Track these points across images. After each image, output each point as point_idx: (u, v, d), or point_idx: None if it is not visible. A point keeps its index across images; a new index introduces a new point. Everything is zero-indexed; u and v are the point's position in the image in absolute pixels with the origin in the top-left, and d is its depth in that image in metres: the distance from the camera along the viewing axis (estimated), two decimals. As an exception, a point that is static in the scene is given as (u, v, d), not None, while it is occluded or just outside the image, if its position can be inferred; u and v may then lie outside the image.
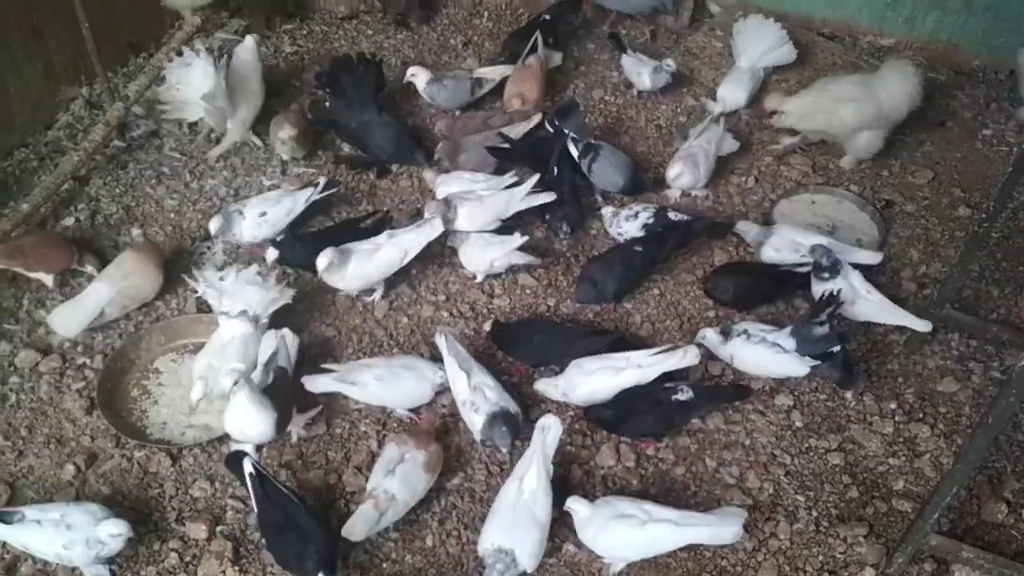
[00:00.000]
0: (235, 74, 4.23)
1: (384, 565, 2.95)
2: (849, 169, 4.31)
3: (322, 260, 3.46)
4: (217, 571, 2.90)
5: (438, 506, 3.09)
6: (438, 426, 3.23)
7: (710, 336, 3.40)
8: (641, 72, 4.58)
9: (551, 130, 4.12)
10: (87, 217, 3.99)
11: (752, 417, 3.37)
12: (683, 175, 4.04)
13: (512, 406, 3.14)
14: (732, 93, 4.49)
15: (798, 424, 3.36)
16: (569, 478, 3.15)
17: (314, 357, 3.50)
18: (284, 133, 4.19)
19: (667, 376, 3.27)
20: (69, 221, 3.97)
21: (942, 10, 4.75)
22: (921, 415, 3.39)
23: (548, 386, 3.33)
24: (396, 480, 2.92)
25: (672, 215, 3.88)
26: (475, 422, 3.13)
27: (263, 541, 2.93)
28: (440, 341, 3.27)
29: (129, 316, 3.62)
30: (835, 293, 3.38)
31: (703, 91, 4.72)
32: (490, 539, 2.80)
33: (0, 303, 3.62)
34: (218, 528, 3.02)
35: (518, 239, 3.67)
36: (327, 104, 4.41)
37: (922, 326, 3.45)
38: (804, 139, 4.36)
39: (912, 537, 2.81)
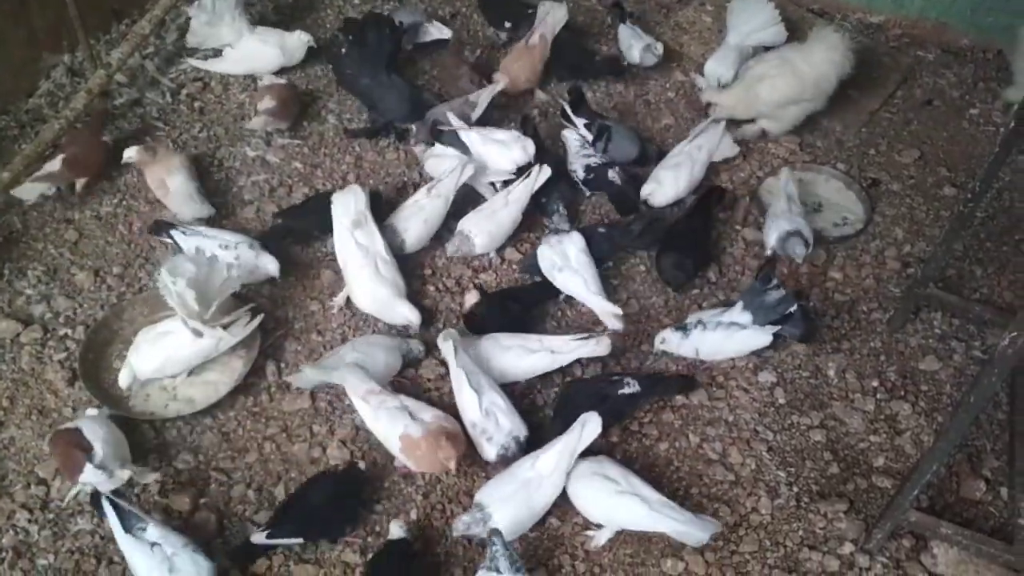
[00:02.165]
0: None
1: (369, 539, 2.96)
2: (750, 136, 4.29)
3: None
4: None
5: (423, 480, 3.10)
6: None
7: (670, 337, 3.38)
8: (632, 45, 4.56)
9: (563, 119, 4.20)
10: (67, 186, 3.94)
11: (736, 394, 3.39)
12: (655, 194, 3.91)
13: (523, 431, 3.07)
14: (718, 70, 4.46)
15: (781, 401, 3.38)
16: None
17: (299, 331, 3.50)
18: (261, 105, 4.14)
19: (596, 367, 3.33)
20: (50, 191, 3.92)
21: (931, -12, 4.75)
22: (902, 393, 3.42)
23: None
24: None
25: (611, 173, 3.94)
26: (486, 450, 3.05)
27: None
28: (447, 348, 3.18)
29: (111, 287, 3.61)
30: (771, 255, 3.49)
31: (692, 66, 4.70)
32: (483, 495, 2.88)
33: (-20, 273, 3.60)
34: (201, 500, 3.02)
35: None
36: (343, 51, 4.32)
37: (613, 322, 3.46)
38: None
39: (892, 513, 2.84)
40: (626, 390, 3.19)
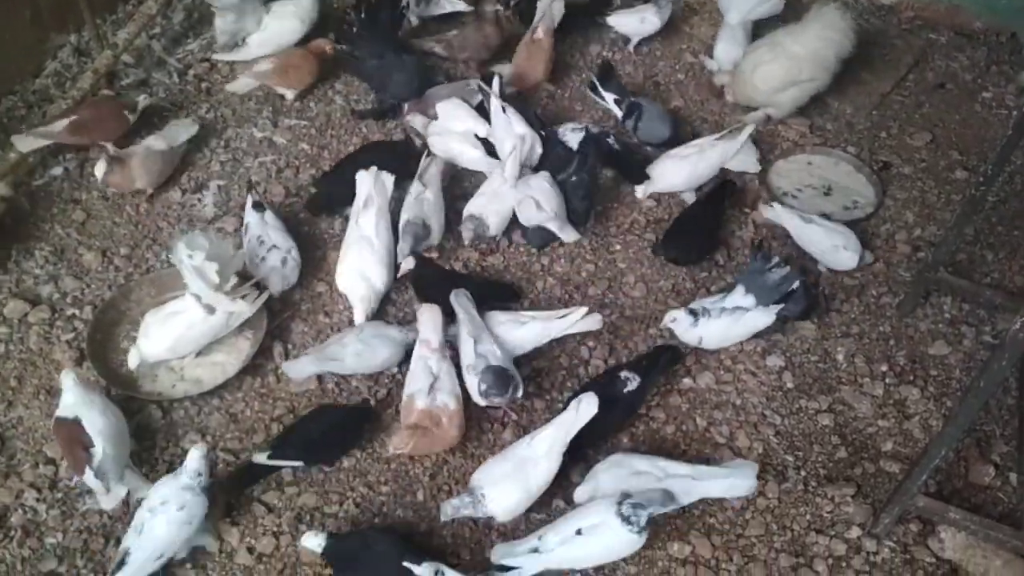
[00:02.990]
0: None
1: (376, 520, 2.96)
2: (753, 125, 4.12)
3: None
4: (208, 523, 2.91)
5: (429, 461, 3.10)
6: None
7: (681, 319, 3.32)
8: (645, 17, 4.53)
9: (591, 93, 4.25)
10: (75, 167, 3.94)
11: (743, 377, 3.38)
12: (652, 179, 3.88)
13: (512, 368, 3.10)
14: (729, 52, 4.43)
15: (789, 385, 3.37)
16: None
17: (306, 312, 3.50)
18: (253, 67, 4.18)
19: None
20: (57, 171, 3.92)
21: (944, -30, 4.70)
22: (912, 378, 3.40)
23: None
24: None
25: (611, 140, 3.93)
26: (472, 384, 3.09)
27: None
28: (454, 301, 3.25)
29: (118, 268, 3.61)
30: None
31: (701, 47, 4.67)
32: (479, 475, 2.88)
33: (-12, 253, 3.60)
34: (209, 481, 3.03)
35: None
36: (354, 30, 4.28)
37: (569, 236, 3.69)
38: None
39: (899, 498, 2.83)
40: (630, 386, 3.13)
